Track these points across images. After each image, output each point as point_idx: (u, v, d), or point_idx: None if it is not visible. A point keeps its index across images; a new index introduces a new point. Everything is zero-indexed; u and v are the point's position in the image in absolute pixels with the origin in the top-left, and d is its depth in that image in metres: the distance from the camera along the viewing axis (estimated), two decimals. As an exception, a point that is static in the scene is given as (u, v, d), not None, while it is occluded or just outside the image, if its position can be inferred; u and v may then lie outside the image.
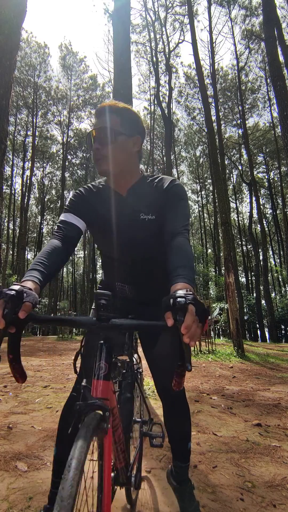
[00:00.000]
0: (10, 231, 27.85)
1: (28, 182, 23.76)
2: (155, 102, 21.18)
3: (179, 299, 0.64)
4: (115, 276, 1.29)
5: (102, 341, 0.76)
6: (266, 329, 22.12)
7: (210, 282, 21.61)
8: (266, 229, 30.29)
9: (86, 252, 29.86)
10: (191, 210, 36.33)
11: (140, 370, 1.47)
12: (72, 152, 27.67)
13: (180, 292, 0.67)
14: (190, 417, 1.35)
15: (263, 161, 28.60)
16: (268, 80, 21.59)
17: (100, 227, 1.17)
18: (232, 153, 28.43)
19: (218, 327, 18.51)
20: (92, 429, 0.61)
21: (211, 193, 28.03)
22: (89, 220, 1.15)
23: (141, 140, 1.13)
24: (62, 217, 1.12)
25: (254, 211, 22.84)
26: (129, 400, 1.11)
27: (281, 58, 8.90)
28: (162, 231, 1.06)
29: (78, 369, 0.88)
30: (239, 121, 23.99)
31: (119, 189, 1.14)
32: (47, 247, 1.00)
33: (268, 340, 19.93)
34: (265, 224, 28.13)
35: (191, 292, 0.68)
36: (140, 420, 1.43)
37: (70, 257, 1.15)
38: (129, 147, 1.09)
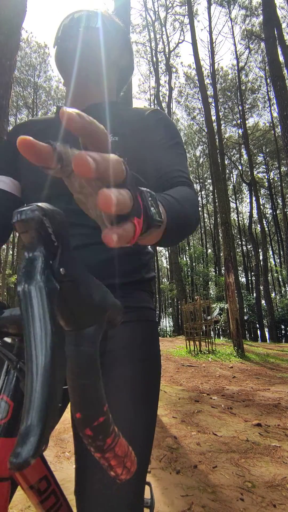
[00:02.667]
0: (10, 231, 27.86)
1: (28, 182, 23.77)
2: (155, 102, 21.19)
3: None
4: None
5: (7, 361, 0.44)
6: (266, 329, 22.12)
7: (210, 282, 21.62)
8: (266, 229, 30.31)
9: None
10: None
11: None
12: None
13: None
14: None
15: (263, 161, 28.61)
16: (268, 80, 21.62)
17: (29, 178, 0.70)
18: (232, 153, 28.45)
19: (218, 327, 18.52)
20: None
21: (211, 193, 28.04)
22: (20, 176, 0.71)
23: (130, 76, 0.85)
24: None
25: (254, 211, 22.86)
26: None
27: (281, 58, 8.90)
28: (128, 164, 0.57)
29: None
30: (239, 121, 24.01)
31: (78, 101, 0.74)
32: None
33: (268, 340, 19.93)
34: (265, 224, 28.16)
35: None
36: None
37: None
38: (118, 64, 0.79)
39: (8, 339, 0.46)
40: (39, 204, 0.26)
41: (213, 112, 17.93)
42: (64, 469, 1.76)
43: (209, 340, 8.01)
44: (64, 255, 0.26)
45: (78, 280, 0.27)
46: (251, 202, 23.49)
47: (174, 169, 0.66)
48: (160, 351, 0.67)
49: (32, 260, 0.25)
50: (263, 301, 22.68)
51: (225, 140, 24.75)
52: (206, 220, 32.98)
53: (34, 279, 0.24)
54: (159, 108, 0.76)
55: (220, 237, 18.72)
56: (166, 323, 33.60)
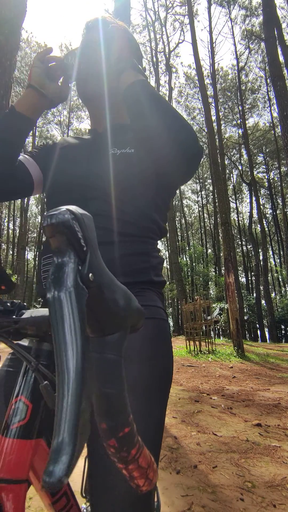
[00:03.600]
0: (10, 231, 27.93)
1: (28, 182, 23.74)
2: (155, 102, 21.15)
3: None
4: None
5: (28, 362, 0.42)
6: (266, 329, 22.13)
7: (210, 282, 21.62)
8: (266, 229, 30.32)
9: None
10: (190, 210, 36.39)
11: None
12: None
13: None
14: None
15: (263, 161, 28.61)
16: (268, 80, 21.62)
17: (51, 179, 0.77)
18: (232, 153, 28.45)
19: (218, 327, 18.53)
20: None
21: (211, 193, 28.04)
22: (45, 171, 0.78)
23: None
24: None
25: (254, 211, 22.87)
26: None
27: (281, 58, 8.90)
28: (142, 172, 0.70)
29: None
30: (239, 121, 24.02)
31: (100, 124, 0.82)
32: None
33: (268, 340, 19.94)
34: (265, 224, 28.17)
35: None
36: None
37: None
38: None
39: (25, 342, 0.46)
40: (69, 207, 0.24)
41: (213, 112, 17.94)
42: (64, 469, 1.77)
43: (209, 340, 8.01)
44: (93, 260, 0.25)
45: (104, 285, 0.26)
46: (251, 202, 23.49)
47: None
48: (171, 349, 0.64)
49: (61, 266, 0.24)
50: (263, 301, 22.69)
51: (225, 140, 24.76)
52: (206, 220, 32.99)
53: (64, 285, 0.23)
54: None
55: (220, 237, 18.71)
56: (166, 323, 33.56)
